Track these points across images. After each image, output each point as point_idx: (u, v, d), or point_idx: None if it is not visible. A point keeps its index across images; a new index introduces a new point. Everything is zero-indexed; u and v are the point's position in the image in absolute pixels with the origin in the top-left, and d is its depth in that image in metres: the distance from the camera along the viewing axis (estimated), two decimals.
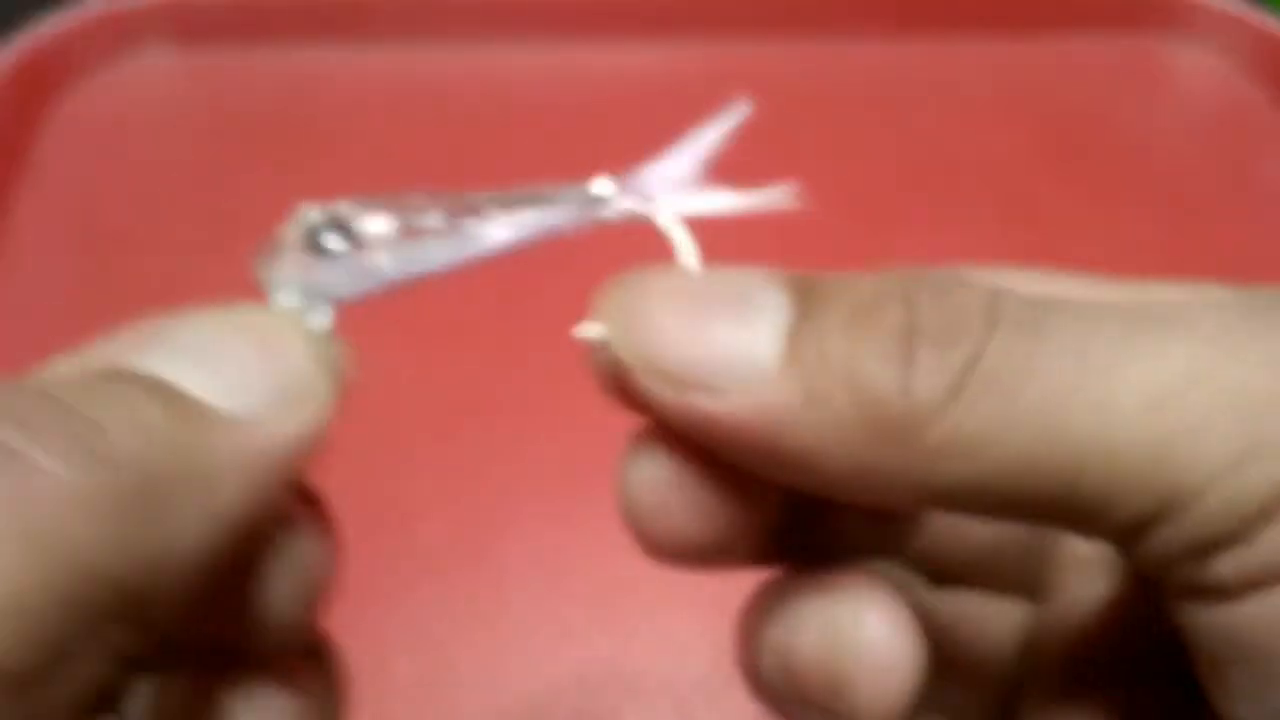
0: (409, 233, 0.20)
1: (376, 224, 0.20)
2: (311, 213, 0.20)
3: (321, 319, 0.20)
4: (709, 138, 0.21)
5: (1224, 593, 0.16)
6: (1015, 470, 0.16)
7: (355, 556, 0.44)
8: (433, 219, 0.20)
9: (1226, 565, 0.16)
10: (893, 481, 0.17)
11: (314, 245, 0.20)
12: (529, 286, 0.54)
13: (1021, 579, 0.24)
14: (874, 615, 0.19)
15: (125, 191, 0.61)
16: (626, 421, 0.19)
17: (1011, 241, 0.58)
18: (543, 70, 0.69)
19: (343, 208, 0.20)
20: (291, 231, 0.20)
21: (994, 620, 0.25)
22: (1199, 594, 0.17)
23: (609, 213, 0.20)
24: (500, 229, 0.20)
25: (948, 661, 0.23)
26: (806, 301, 0.18)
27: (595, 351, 0.19)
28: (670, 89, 0.67)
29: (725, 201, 0.21)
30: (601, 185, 0.20)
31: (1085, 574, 0.23)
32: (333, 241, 0.20)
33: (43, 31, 0.65)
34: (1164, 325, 0.16)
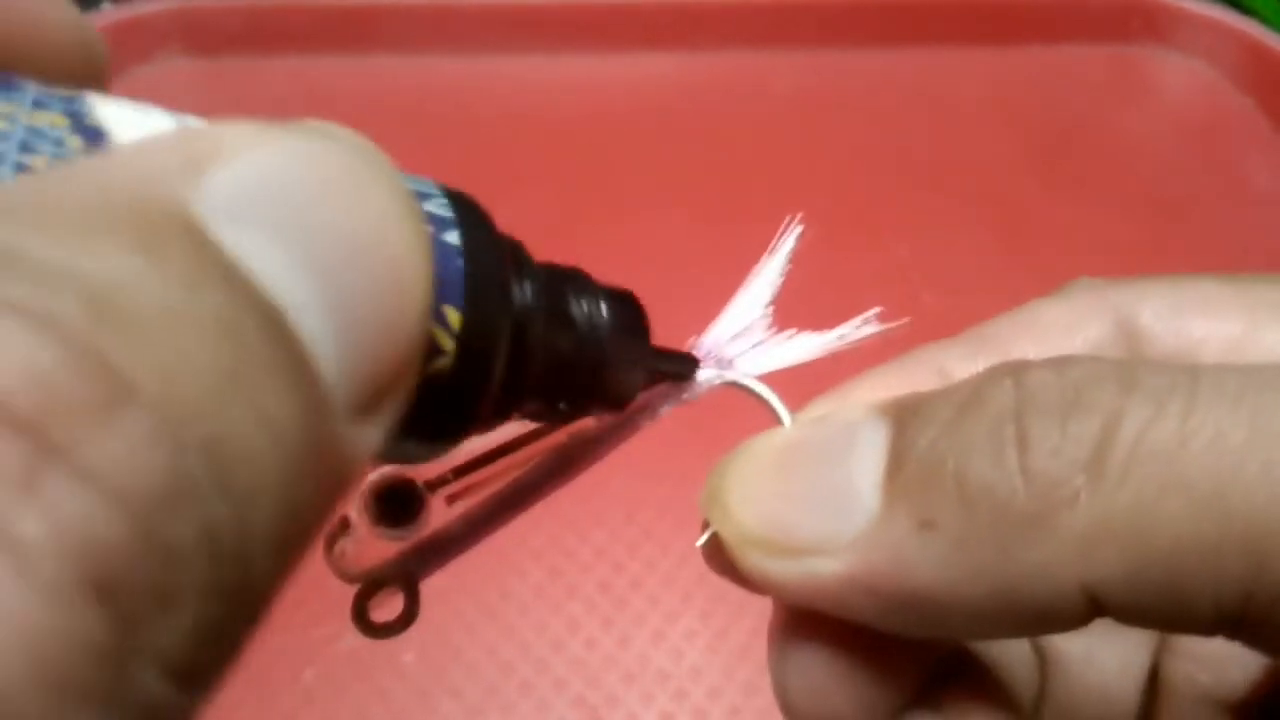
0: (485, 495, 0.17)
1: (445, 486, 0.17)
2: (370, 492, 0.17)
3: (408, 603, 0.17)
4: (766, 277, 0.19)
5: None
6: (1186, 554, 0.13)
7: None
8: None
9: None
10: (1042, 597, 0.14)
11: (383, 522, 0.17)
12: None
13: None
14: None
15: None
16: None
17: (1001, 246, 0.58)
18: (553, 80, 0.68)
19: (402, 478, 0.17)
20: (356, 514, 0.17)
21: (1119, 660, 0.23)
22: None
23: (691, 395, 0.18)
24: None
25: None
26: (904, 420, 0.15)
27: (709, 552, 0.17)
28: (674, 98, 0.67)
29: (805, 347, 0.19)
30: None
31: None
32: (402, 516, 0.17)
33: None
34: None
